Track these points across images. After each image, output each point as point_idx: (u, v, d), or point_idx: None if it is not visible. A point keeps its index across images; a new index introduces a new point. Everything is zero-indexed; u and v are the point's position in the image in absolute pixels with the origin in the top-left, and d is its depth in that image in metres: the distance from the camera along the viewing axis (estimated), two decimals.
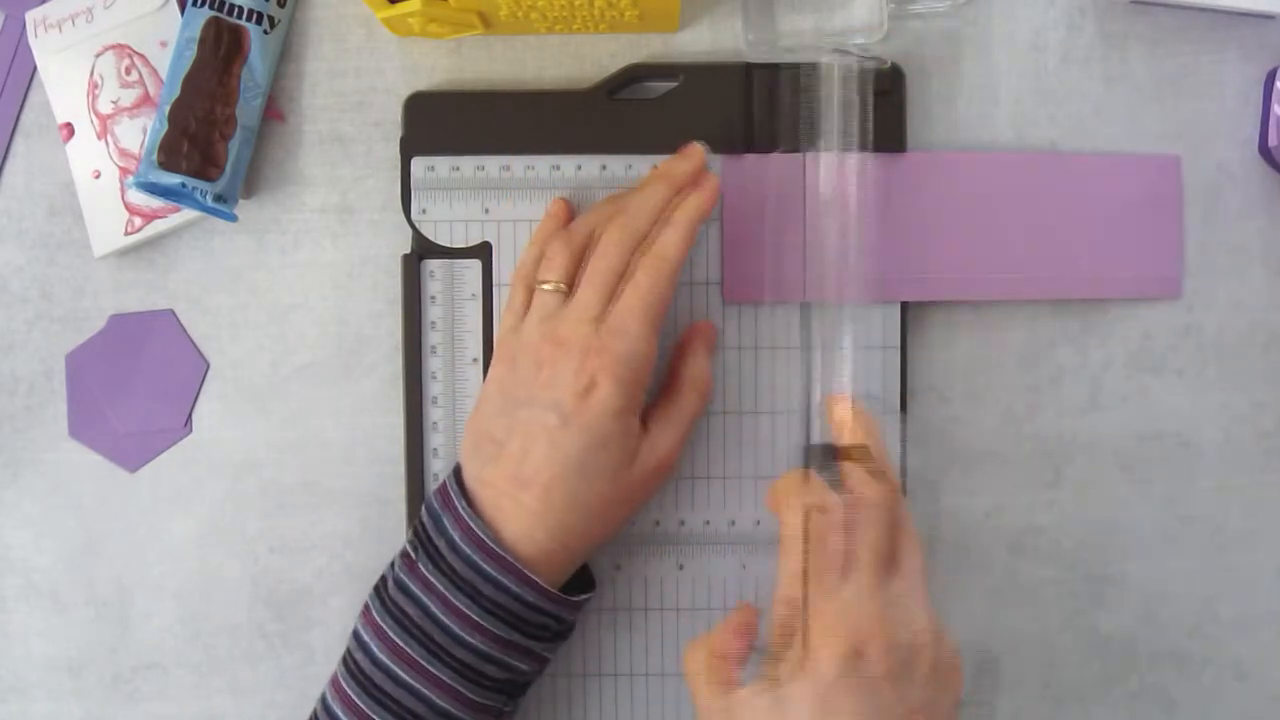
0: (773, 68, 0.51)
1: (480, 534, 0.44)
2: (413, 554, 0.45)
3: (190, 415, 0.52)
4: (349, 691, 0.45)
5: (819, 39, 0.52)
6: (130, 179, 0.51)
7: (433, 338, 0.51)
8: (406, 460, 0.51)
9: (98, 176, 0.52)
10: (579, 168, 0.51)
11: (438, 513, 0.46)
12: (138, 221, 0.52)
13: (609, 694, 0.51)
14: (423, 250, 0.51)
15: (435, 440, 0.51)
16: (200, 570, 0.52)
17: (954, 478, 0.52)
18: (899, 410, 0.50)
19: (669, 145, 0.50)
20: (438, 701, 0.44)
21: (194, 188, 0.49)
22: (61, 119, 0.52)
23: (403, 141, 0.51)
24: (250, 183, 0.52)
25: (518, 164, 0.51)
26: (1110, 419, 0.52)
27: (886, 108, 0.50)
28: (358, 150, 0.52)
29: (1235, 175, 0.52)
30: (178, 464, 0.52)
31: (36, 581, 0.53)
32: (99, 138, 0.52)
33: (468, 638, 0.44)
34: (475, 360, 0.51)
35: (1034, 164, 0.51)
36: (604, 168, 0.51)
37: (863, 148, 0.48)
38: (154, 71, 0.51)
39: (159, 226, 0.52)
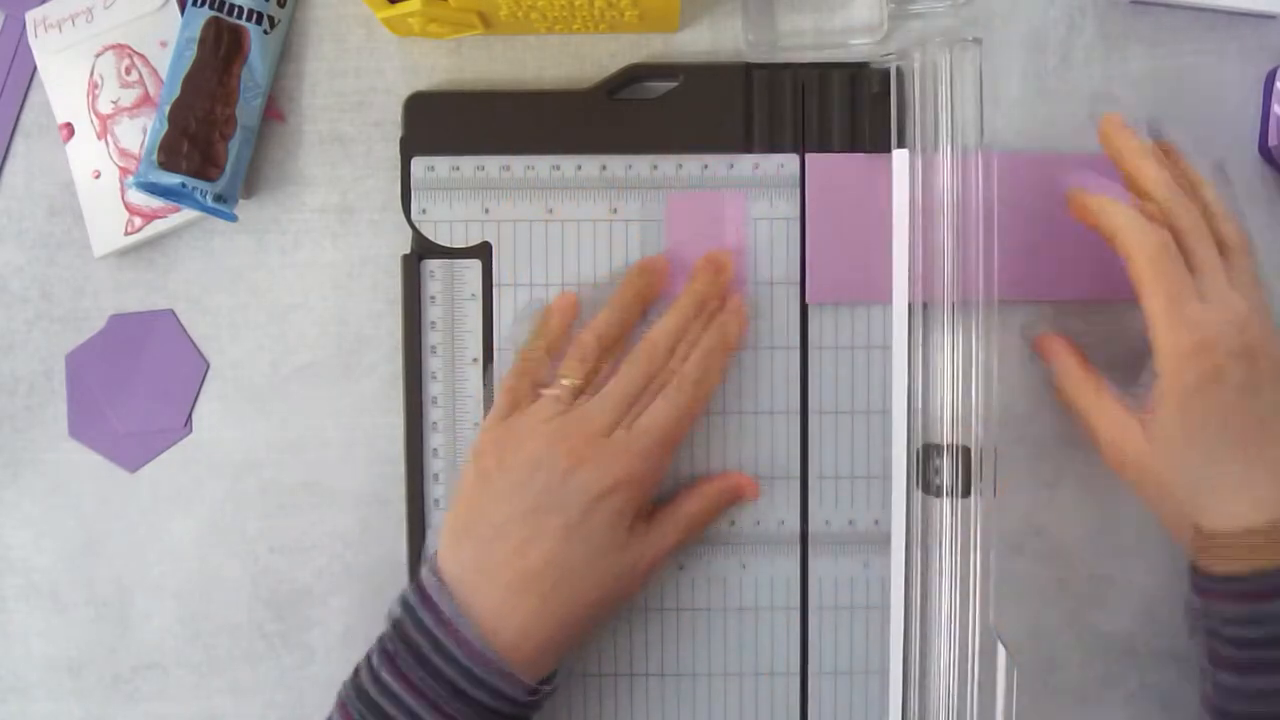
0: (773, 68, 0.51)
1: (468, 636, 0.43)
2: (391, 649, 0.44)
3: (190, 415, 0.52)
4: None
5: (819, 39, 0.52)
6: (130, 179, 0.51)
7: (433, 338, 0.51)
8: (406, 460, 0.51)
9: (98, 176, 0.52)
10: (579, 168, 0.51)
11: (416, 610, 0.44)
12: (138, 221, 0.52)
13: (609, 694, 0.51)
14: (423, 250, 0.51)
15: (435, 440, 0.51)
16: (200, 570, 0.52)
17: None
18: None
19: (669, 145, 0.50)
20: None
21: (194, 188, 0.49)
22: (61, 119, 0.52)
23: (403, 141, 0.51)
24: (250, 183, 0.52)
25: (518, 164, 0.51)
26: None
27: (884, 108, 0.50)
28: (358, 150, 0.52)
29: (1235, 175, 0.52)
30: (178, 464, 0.52)
31: (36, 581, 0.53)
32: (99, 138, 0.52)
33: None
34: (475, 360, 0.51)
35: (1034, 164, 0.51)
36: (604, 168, 0.51)
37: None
38: (154, 71, 0.51)
39: (159, 226, 0.52)
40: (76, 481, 0.53)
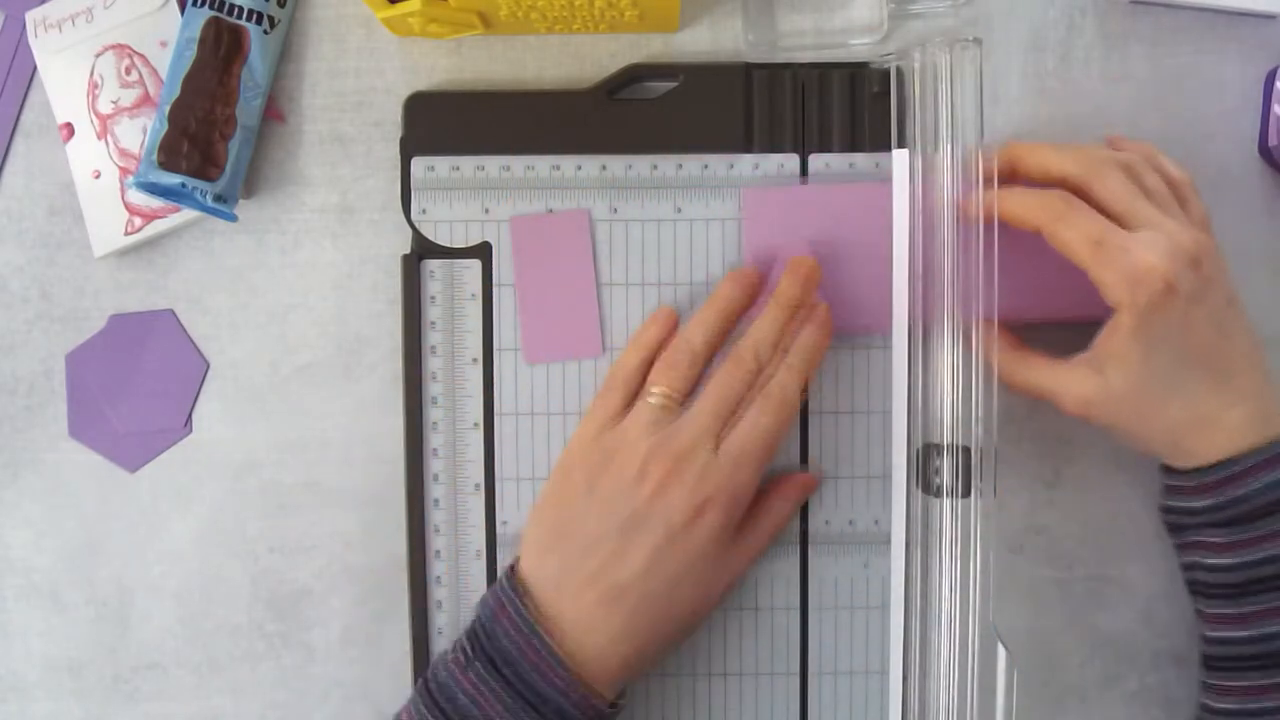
0: (773, 68, 0.51)
1: (543, 651, 0.43)
2: (466, 657, 0.44)
3: (190, 415, 0.52)
4: None
5: (819, 39, 0.52)
6: (130, 179, 0.51)
7: (433, 338, 0.51)
8: (406, 460, 0.51)
9: (98, 176, 0.52)
10: (579, 168, 0.51)
11: (493, 620, 0.44)
12: (138, 221, 0.52)
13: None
14: (423, 250, 0.51)
15: (435, 440, 0.51)
16: (200, 570, 0.52)
17: None
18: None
19: (669, 145, 0.50)
20: None
21: (194, 188, 0.49)
22: (61, 119, 0.52)
23: (403, 141, 0.51)
24: (250, 183, 0.52)
25: (518, 164, 0.51)
26: None
27: (884, 108, 0.50)
28: (358, 150, 0.52)
29: (1235, 175, 0.52)
30: (178, 464, 0.52)
31: (36, 581, 0.53)
32: (99, 138, 0.52)
33: None
34: (475, 360, 0.51)
35: None
36: (604, 168, 0.51)
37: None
38: (154, 71, 0.51)
39: (159, 226, 0.52)
40: (76, 481, 0.53)
